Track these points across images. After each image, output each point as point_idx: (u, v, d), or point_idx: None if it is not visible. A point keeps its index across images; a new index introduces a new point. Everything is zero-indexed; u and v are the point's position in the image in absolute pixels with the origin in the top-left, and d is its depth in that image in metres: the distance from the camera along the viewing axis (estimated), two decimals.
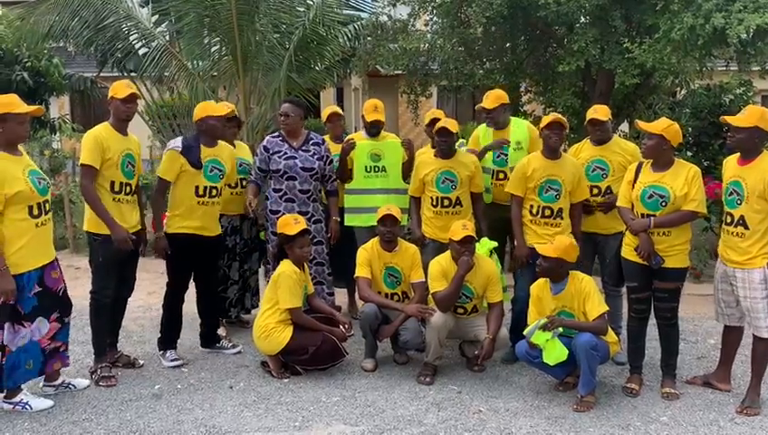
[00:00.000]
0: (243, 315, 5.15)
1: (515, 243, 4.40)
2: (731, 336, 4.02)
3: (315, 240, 4.77)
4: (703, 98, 8.08)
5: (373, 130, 4.97)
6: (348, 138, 5.07)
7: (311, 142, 4.81)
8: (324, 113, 5.50)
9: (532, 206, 4.30)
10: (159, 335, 4.48)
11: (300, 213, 4.62)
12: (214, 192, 4.34)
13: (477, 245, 4.29)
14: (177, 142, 4.31)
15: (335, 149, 5.06)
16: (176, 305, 4.42)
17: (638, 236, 3.85)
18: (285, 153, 4.71)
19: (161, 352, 4.45)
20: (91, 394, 3.95)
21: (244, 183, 4.86)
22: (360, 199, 4.93)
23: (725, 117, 3.80)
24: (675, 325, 4.00)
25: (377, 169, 4.92)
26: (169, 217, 4.34)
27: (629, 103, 8.61)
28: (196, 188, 4.26)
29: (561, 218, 4.28)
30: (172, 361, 4.37)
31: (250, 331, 4.49)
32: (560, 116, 4.27)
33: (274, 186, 4.75)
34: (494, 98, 4.66)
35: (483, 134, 4.87)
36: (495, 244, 4.43)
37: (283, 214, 4.57)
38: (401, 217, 4.52)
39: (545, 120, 4.27)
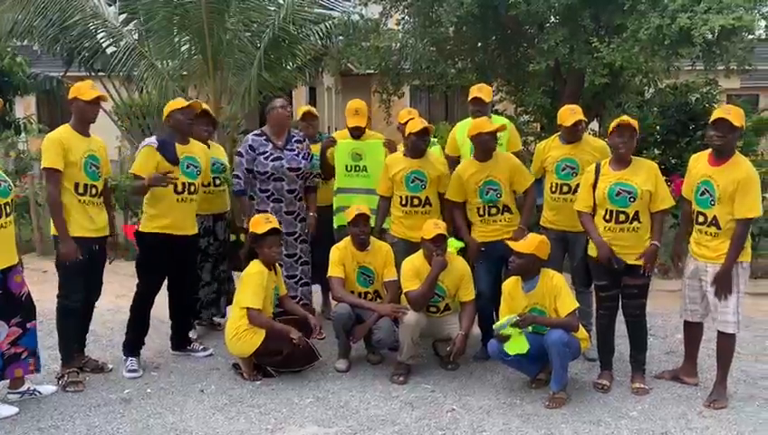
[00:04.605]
0: (215, 319, 5.08)
1: (465, 239, 4.44)
2: (692, 332, 4.10)
3: (301, 238, 4.75)
4: (670, 97, 8.23)
5: (355, 133, 4.91)
6: (331, 136, 5.02)
7: (294, 140, 4.75)
8: (299, 111, 5.41)
9: (478, 208, 4.38)
10: (125, 339, 4.37)
11: (287, 212, 4.64)
12: (192, 188, 4.29)
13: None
14: (151, 139, 4.26)
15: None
16: (144, 308, 4.32)
17: (596, 244, 3.94)
18: (271, 154, 4.62)
19: (125, 358, 4.33)
20: (57, 400, 3.87)
21: (217, 181, 4.81)
22: (343, 199, 4.86)
23: (718, 117, 3.66)
24: (643, 321, 4.06)
25: (357, 169, 4.86)
26: (145, 215, 4.28)
27: (599, 102, 8.71)
28: (175, 185, 4.19)
29: (510, 213, 4.40)
30: (130, 371, 4.24)
31: (221, 333, 4.44)
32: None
33: (261, 186, 4.64)
34: (486, 91, 4.81)
35: (461, 131, 4.83)
36: (462, 244, 4.43)
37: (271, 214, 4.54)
38: (372, 217, 4.52)
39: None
